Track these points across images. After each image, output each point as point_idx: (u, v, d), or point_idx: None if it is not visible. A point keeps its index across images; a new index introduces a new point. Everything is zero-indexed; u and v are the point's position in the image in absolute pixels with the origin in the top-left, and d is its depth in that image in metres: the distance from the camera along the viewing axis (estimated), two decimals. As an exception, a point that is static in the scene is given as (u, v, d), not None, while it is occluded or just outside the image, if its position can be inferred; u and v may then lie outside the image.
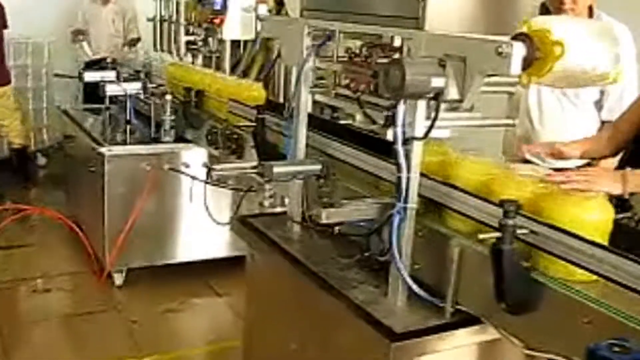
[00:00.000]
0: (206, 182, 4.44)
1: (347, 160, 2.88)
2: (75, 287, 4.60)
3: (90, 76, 5.02)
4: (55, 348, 3.78)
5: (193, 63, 4.94)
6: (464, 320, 2.19)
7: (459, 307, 2.20)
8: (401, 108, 2.14)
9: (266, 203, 4.19)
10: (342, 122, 3.35)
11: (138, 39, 6.64)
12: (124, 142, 4.51)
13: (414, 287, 2.23)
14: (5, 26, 6.43)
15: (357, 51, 2.55)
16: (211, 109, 4.13)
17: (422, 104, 2.12)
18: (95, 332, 3.96)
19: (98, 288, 4.42)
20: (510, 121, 2.44)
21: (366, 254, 2.41)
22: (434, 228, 2.29)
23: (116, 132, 4.73)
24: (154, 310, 4.22)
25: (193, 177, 4.42)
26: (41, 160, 7.28)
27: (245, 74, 4.84)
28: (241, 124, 3.62)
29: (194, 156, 4.35)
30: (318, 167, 2.80)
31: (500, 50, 1.81)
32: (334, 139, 3.02)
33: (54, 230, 5.39)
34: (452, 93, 1.95)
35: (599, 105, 3.47)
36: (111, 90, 4.61)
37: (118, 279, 4.47)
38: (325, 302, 2.44)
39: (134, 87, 4.55)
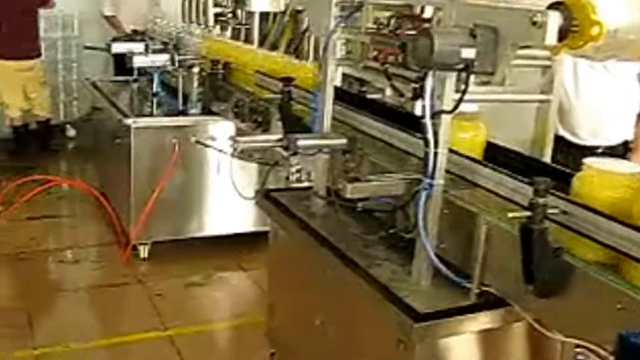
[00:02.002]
0: (232, 155, 4.41)
1: (374, 135, 2.81)
2: (101, 259, 4.60)
3: (118, 47, 4.99)
4: (79, 319, 3.78)
5: (222, 36, 4.87)
6: (490, 302, 2.11)
7: (485, 288, 2.13)
8: (429, 80, 2.06)
9: (292, 178, 4.14)
10: (370, 96, 3.31)
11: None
12: (151, 114, 4.47)
13: (440, 265, 2.16)
14: (45, 3, 6.47)
15: (386, 22, 2.48)
16: (238, 81, 4.07)
17: (451, 76, 2.04)
18: (120, 304, 3.96)
19: (123, 261, 4.41)
20: (544, 97, 2.34)
21: (391, 231, 2.34)
22: (461, 205, 2.21)
23: (143, 104, 4.69)
24: (179, 283, 4.20)
25: (219, 150, 4.39)
26: (70, 132, 7.30)
27: (274, 47, 4.77)
28: (262, 95, 3.56)
29: (221, 129, 4.30)
30: (344, 141, 2.73)
31: (534, 19, 1.72)
32: (361, 112, 2.95)
33: (82, 202, 5.41)
34: (483, 65, 1.86)
35: None
36: (139, 62, 4.56)
37: (143, 252, 4.45)
38: (348, 279, 2.38)
39: (161, 59, 4.50)
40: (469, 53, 1.83)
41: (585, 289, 1.82)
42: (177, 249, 4.52)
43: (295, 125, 3.18)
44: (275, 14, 4.74)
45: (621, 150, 3.43)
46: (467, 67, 1.85)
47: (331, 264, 2.50)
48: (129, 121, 4.23)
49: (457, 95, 2.05)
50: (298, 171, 4.12)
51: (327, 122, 2.79)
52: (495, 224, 2.07)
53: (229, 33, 4.95)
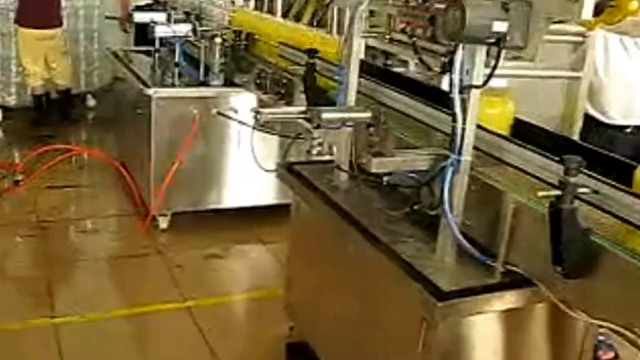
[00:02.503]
0: (253, 128, 4.38)
1: (399, 109, 2.77)
2: (121, 229, 4.61)
3: (140, 17, 4.95)
4: (99, 289, 3.78)
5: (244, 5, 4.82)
6: (515, 281, 2.08)
7: (510, 267, 2.09)
8: (459, 54, 2.02)
9: (314, 151, 4.09)
10: (395, 69, 3.26)
11: None
12: (172, 85, 4.44)
13: (464, 243, 2.13)
14: None
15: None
16: (261, 52, 4.03)
17: (481, 50, 2.00)
18: (139, 275, 3.96)
19: (143, 231, 4.40)
20: (574, 73, 2.28)
21: (415, 207, 2.30)
22: (488, 182, 2.17)
23: (165, 74, 4.66)
24: (198, 255, 4.19)
25: (240, 122, 4.36)
26: (91, 102, 7.29)
27: (297, 18, 4.71)
28: (287, 68, 3.52)
29: (243, 101, 4.26)
30: (368, 114, 2.69)
31: (570, -8, 1.67)
32: (385, 86, 2.90)
33: (102, 172, 5.41)
34: (515, 39, 1.81)
35: None
36: (161, 31, 4.52)
37: (163, 223, 4.44)
38: (371, 255, 2.36)
39: (183, 29, 4.46)
40: (501, 27, 1.78)
41: (615, 271, 1.78)
42: (197, 220, 4.51)
43: (319, 97, 3.14)
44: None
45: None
46: (499, 41, 1.80)
47: (354, 239, 2.47)
48: (150, 91, 4.20)
49: (487, 70, 2.02)
50: (320, 144, 4.10)
51: (351, 95, 2.75)
52: (522, 202, 2.03)
53: (252, 3, 4.90)
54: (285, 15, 4.76)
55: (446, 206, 2.12)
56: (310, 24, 4.73)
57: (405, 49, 2.57)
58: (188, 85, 4.39)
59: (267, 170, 4.31)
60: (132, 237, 4.38)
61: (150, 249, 4.22)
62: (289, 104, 3.59)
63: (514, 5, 1.77)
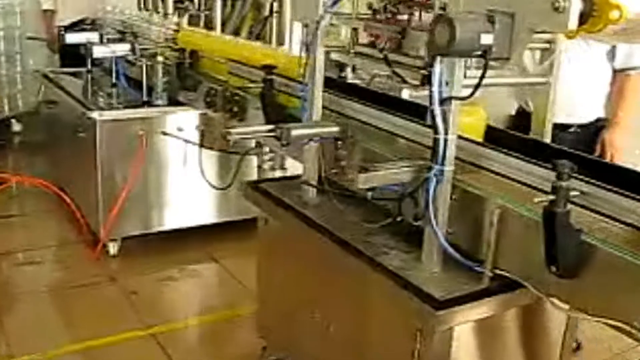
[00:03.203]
0: (201, 146, 4.34)
1: (366, 121, 2.78)
2: (67, 258, 4.42)
3: (73, 38, 4.80)
4: (52, 324, 3.61)
5: (179, 23, 4.75)
6: (503, 285, 2.13)
7: (497, 271, 2.14)
8: (438, 67, 2.05)
9: (266, 166, 4.10)
10: (350, 81, 3.29)
11: None
12: (116, 106, 4.33)
13: (451, 251, 2.16)
14: None
15: (380, 8, 2.45)
16: (207, 70, 3.98)
17: (460, 63, 2.04)
18: (95, 305, 3.80)
19: (91, 258, 4.27)
20: (544, 79, 2.35)
21: (398, 219, 2.32)
22: (469, 190, 2.21)
23: (104, 96, 4.54)
24: (152, 279, 4.10)
25: (186, 141, 4.31)
26: (16, 127, 7.02)
27: (235, 33, 4.68)
28: (243, 85, 3.49)
29: (188, 119, 4.21)
30: (336, 128, 2.71)
31: (556, 4, 1.72)
32: (349, 98, 2.92)
33: (36, 199, 5.21)
34: (500, 51, 1.85)
35: (611, 54, 3.39)
36: (99, 52, 4.41)
37: (112, 248, 4.33)
38: (354, 269, 2.37)
39: (123, 49, 4.36)
40: (487, 39, 1.82)
41: (608, 268, 1.84)
42: (146, 243, 4.41)
43: (279, 114, 3.13)
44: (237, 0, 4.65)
45: (594, 128, 3.49)
46: (486, 53, 1.84)
47: (334, 254, 2.48)
48: (94, 114, 4.08)
49: (466, 81, 2.07)
50: (271, 159, 4.10)
51: (317, 111, 2.75)
52: (507, 207, 2.08)
53: (185, 20, 4.83)
54: (222, 30, 4.71)
55: (431, 216, 2.15)
56: (248, 38, 4.70)
57: (372, 61, 2.62)
58: (131, 106, 4.30)
59: (217, 188, 4.30)
60: (81, 266, 4.24)
61: (102, 277, 4.09)
62: (242, 121, 3.56)
63: (499, 17, 1.82)
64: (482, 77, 1.88)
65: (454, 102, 2.07)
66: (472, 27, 1.79)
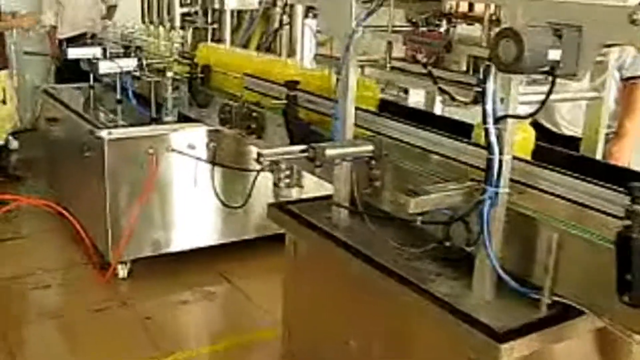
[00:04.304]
0: (213, 163, 4.21)
1: (400, 138, 2.65)
2: (76, 282, 4.25)
3: (76, 53, 4.65)
4: (66, 352, 3.48)
5: (184, 36, 4.62)
6: (563, 312, 2.01)
7: (555, 298, 2.02)
8: (491, 83, 1.94)
9: (282, 184, 3.96)
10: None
11: (115, 7, 6.27)
12: (124, 124, 4.19)
13: (507, 278, 2.04)
14: None
15: (421, 21, 2.34)
16: (220, 85, 3.84)
17: (517, 79, 1.92)
18: (108, 332, 3.64)
19: (101, 282, 4.11)
20: (596, 94, 2.24)
21: (447, 244, 2.20)
22: (523, 212, 2.09)
23: (111, 113, 4.40)
24: (166, 302, 3.95)
25: (199, 158, 4.18)
26: (13, 144, 6.83)
27: (244, 46, 4.55)
28: (261, 100, 3.36)
29: (200, 136, 4.08)
30: (370, 147, 2.59)
31: (634, 17, 1.60)
32: (380, 115, 2.79)
33: (37, 220, 5.05)
34: (567, 67, 1.73)
35: (617, 63, 3.27)
36: (105, 67, 4.25)
37: (122, 271, 4.17)
38: (397, 296, 2.24)
39: (129, 64, 4.22)
40: (555, 55, 1.70)
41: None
42: (156, 265, 4.26)
43: (303, 132, 3.00)
44: (244, 12, 4.52)
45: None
46: (553, 69, 1.72)
47: (373, 280, 2.35)
48: (102, 133, 3.93)
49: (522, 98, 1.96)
50: (287, 176, 3.97)
51: (349, 129, 2.63)
52: (566, 231, 1.97)
53: (189, 33, 4.70)
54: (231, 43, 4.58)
55: (486, 241, 2.03)
56: (258, 51, 4.58)
57: (406, 76, 2.50)
58: (140, 123, 4.15)
59: (232, 207, 4.17)
60: (91, 290, 4.09)
61: (114, 301, 3.94)
62: (259, 137, 3.44)
63: (566, 31, 1.70)
64: (549, 95, 1.76)
65: (509, 120, 1.95)
66: (539, 42, 1.68)
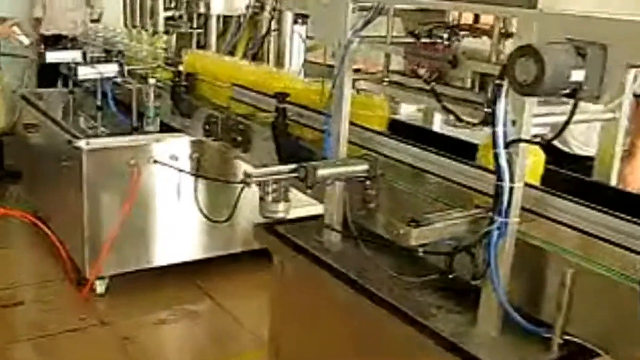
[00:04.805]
0: (196, 175, 4.01)
1: (396, 157, 2.48)
2: (51, 297, 4.04)
3: (54, 57, 4.45)
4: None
5: (168, 41, 4.42)
6: (577, 352, 1.85)
7: (567, 337, 1.85)
8: (502, 103, 1.77)
9: (269, 198, 3.77)
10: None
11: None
12: (103, 133, 3.98)
13: (516, 316, 1.87)
14: None
15: (424, 33, 2.16)
16: (206, 94, 3.65)
17: (532, 100, 1.75)
18: (84, 353, 3.44)
19: (78, 299, 3.91)
20: (612, 115, 2.08)
21: (450, 276, 2.02)
22: (533, 244, 1.92)
23: (90, 120, 4.19)
24: (146, 322, 3.75)
25: (181, 170, 3.99)
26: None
27: (230, 52, 4.36)
28: (248, 113, 3.18)
29: (183, 147, 3.89)
30: (365, 167, 2.41)
31: (668, 35, 1.44)
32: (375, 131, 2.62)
33: (13, 231, 4.83)
34: (590, 89, 1.56)
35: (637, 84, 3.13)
36: (84, 73, 4.05)
37: (100, 287, 3.97)
38: (395, 331, 2.07)
39: (110, 70, 4.01)
40: (578, 76, 1.53)
41: None
42: (134, 281, 4.06)
43: (292, 147, 2.82)
44: (231, 17, 4.32)
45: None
46: (575, 91, 1.55)
47: (367, 311, 2.17)
48: (80, 143, 3.73)
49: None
50: (274, 190, 3.78)
51: (343, 146, 2.45)
52: (581, 265, 1.80)
53: (174, 39, 4.51)
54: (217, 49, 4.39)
55: (493, 274, 1.86)
56: (244, 58, 4.38)
57: (405, 91, 2.33)
58: (120, 132, 3.95)
59: (215, 222, 3.97)
60: (67, 307, 3.88)
61: (91, 320, 3.73)
62: (245, 151, 3.25)
63: (590, 50, 1.53)
64: (569, 120, 1.60)
65: (522, 145, 1.78)
66: (562, 62, 1.51)
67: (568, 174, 2.19)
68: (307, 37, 4.66)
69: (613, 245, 1.80)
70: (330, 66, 4.46)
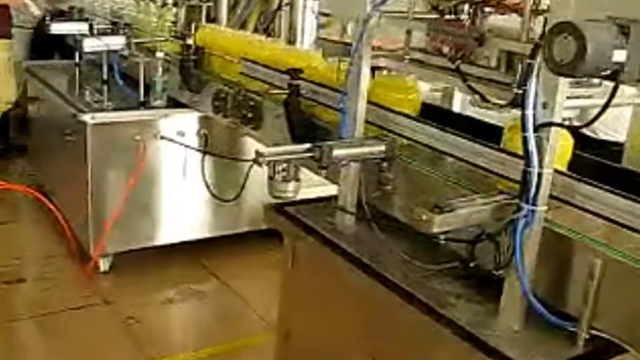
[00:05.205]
0: (204, 152, 3.92)
1: (416, 139, 2.38)
2: (55, 275, 3.95)
3: (60, 28, 4.33)
4: (42, 354, 3.20)
5: (177, 14, 4.29)
6: (602, 349, 1.76)
7: (593, 332, 1.77)
8: (533, 84, 1.67)
9: (278, 177, 3.68)
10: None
11: None
12: (109, 108, 3.87)
13: (541, 308, 1.78)
14: None
15: (448, 9, 2.06)
16: (216, 69, 3.54)
17: (565, 82, 1.65)
18: (89, 333, 3.35)
19: (81, 276, 3.83)
20: (644, 98, 1.98)
21: (471, 265, 1.93)
22: (560, 232, 1.83)
23: (96, 94, 4.09)
24: (151, 301, 3.68)
25: (188, 147, 3.89)
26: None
27: (241, 26, 4.25)
28: (261, 89, 3.07)
29: (191, 123, 3.79)
30: (382, 147, 2.32)
31: None
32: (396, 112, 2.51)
33: (19, 205, 4.75)
34: (632, 71, 1.46)
35: None
36: (90, 45, 3.94)
37: (104, 265, 3.89)
38: (410, 319, 1.98)
39: (117, 42, 3.90)
40: (620, 56, 1.43)
41: None
42: (139, 259, 3.98)
43: (306, 126, 2.72)
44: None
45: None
46: (616, 73, 1.45)
47: (383, 298, 2.09)
48: (85, 117, 3.63)
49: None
50: (284, 169, 3.68)
51: (360, 126, 2.36)
52: (610, 256, 1.71)
53: (183, 11, 4.37)
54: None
55: (518, 264, 1.77)
56: (255, 32, 4.27)
57: (427, 70, 2.22)
58: (127, 107, 3.84)
59: (224, 201, 3.88)
60: (71, 285, 3.80)
61: (95, 298, 3.66)
62: (256, 129, 3.15)
63: (634, 29, 1.42)
64: (609, 102, 1.49)
65: (553, 129, 1.68)
66: (604, 41, 1.40)
67: (596, 159, 2.09)
68: (321, 13, 4.54)
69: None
70: (346, 44, 4.34)
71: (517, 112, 1.84)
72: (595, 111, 1.71)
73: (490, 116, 2.24)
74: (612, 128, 3.27)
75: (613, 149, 2.78)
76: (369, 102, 2.42)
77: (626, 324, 1.72)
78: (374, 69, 2.42)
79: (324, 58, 2.65)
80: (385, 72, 2.53)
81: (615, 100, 1.94)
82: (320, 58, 2.75)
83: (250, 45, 3.37)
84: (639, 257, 1.68)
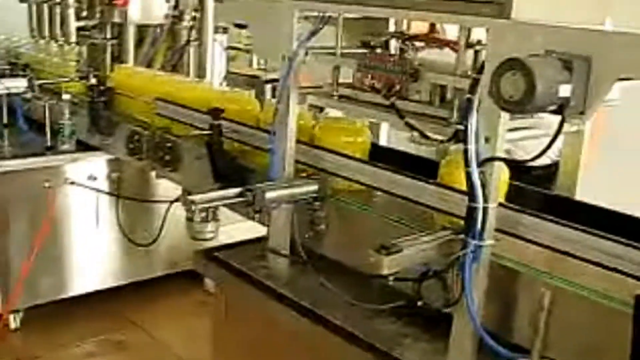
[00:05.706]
0: (118, 196, 3.77)
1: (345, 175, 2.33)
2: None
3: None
4: None
5: (80, 53, 4.13)
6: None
7: (545, 362, 1.76)
8: (474, 119, 1.66)
9: (197, 218, 3.57)
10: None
11: None
12: (12, 154, 3.63)
13: (492, 343, 1.75)
14: None
15: (379, 44, 2.04)
16: (128, 109, 3.40)
17: (505, 116, 1.65)
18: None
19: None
20: (577, 127, 2.00)
21: (419, 304, 1.89)
22: (505, 265, 1.82)
23: (-2, 140, 3.84)
24: (72, 356, 3.46)
25: (100, 191, 3.73)
26: None
27: (148, 64, 4.12)
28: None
29: (102, 166, 3.63)
30: (315, 187, 2.27)
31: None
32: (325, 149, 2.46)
33: None
34: (576, 104, 1.47)
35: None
36: (-11, 88, 3.71)
37: (14, 322, 3.64)
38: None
39: (19, 84, 3.68)
40: (566, 91, 1.43)
41: None
42: (52, 312, 3.75)
43: (230, 167, 2.64)
44: (141, 27, 4.07)
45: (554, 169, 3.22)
46: (562, 107, 1.45)
47: (329, 344, 2.03)
48: (-12, 167, 3.41)
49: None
50: (203, 210, 3.57)
51: (289, 166, 2.30)
52: (559, 287, 1.71)
53: (85, 49, 4.21)
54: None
55: (468, 300, 1.74)
56: (162, 69, 4.15)
57: (357, 106, 2.18)
58: (32, 153, 3.61)
59: (141, 245, 3.72)
60: (-22, 345, 3.54)
61: (8, 357, 3.41)
62: (174, 170, 3.04)
63: (576, 64, 1.43)
64: (556, 136, 1.50)
65: (496, 163, 1.68)
66: (551, 76, 1.40)
67: (531, 188, 2.10)
68: (228, 47, 4.48)
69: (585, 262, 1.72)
70: (254, 77, 4.28)
71: (454, 146, 1.84)
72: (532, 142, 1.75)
73: (424, 151, 2.23)
74: (529, 152, 3.29)
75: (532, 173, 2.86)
76: (314, 146, 2.38)
77: (577, 351, 1.73)
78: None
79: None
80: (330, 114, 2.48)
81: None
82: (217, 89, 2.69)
83: (150, 81, 3.29)
84: (585, 285, 1.69)
